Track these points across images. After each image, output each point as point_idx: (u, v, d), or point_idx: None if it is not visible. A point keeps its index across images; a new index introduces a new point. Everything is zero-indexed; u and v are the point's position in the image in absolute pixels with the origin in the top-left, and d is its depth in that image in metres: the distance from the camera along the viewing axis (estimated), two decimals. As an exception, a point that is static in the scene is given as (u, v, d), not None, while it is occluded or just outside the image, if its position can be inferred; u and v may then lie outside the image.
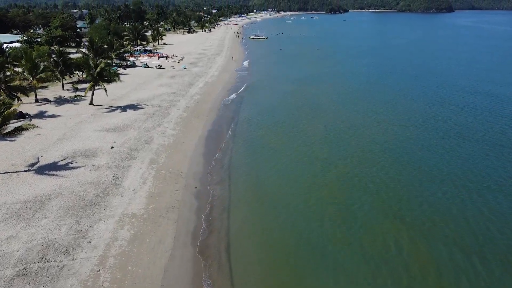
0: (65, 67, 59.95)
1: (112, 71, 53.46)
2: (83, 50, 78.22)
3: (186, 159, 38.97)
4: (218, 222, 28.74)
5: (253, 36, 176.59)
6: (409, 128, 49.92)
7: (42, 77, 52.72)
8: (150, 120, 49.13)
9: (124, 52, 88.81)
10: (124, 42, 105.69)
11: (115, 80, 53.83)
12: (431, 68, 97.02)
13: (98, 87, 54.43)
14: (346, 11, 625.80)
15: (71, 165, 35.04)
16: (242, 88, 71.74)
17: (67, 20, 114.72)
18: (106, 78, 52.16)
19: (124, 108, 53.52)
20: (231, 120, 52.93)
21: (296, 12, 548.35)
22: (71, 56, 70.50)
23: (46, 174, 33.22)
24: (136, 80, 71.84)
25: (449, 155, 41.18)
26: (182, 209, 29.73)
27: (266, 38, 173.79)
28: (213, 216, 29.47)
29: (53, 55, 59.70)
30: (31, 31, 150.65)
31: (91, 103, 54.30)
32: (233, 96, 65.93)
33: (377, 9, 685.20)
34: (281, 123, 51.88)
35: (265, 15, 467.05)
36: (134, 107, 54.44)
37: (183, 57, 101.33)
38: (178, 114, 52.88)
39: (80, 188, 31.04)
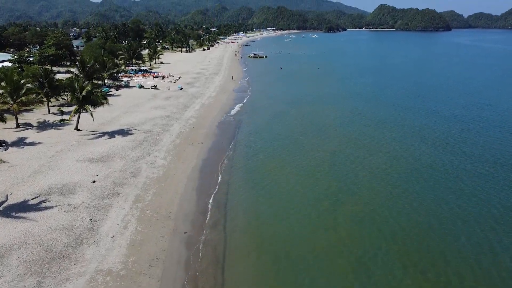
0: (51, 89, 56.03)
1: (99, 94, 49.48)
2: (73, 70, 74.72)
3: (177, 195, 34.54)
4: (210, 280, 24.16)
5: (252, 55, 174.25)
6: (421, 156, 45.69)
7: (24, 100, 48.66)
8: (139, 148, 44.89)
9: (118, 72, 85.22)
10: (119, 62, 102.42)
11: (102, 104, 49.79)
12: (436, 88, 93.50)
13: (85, 111, 50.35)
14: (344, 29, 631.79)
15: (43, 205, 30.60)
16: (241, 111, 67.89)
17: (61, 39, 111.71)
18: (93, 102, 48.05)
19: (112, 134, 49.34)
20: (228, 147, 48.71)
21: (295, 31, 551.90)
22: (63, 76, 67.15)
23: (12, 216, 28.75)
24: (128, 102, 67.96)
25: (470, 189, 36.84)
26: (168, 262, 25.16)
27: (265, 56, 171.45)
28: (204, 271, 24.90)
29: (40, 77, 55.70)
30: (27, 49, 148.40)
31: (76, 129, 50.17)
32: (231, 119, 61.97)
33: (375, 28, 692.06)
34: (282, 150, 47.67)
35: (264, 33, 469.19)
36: (123, 132, 50.28)
37: (180, 77, 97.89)
38: (171, 140, 48.70)
39: (50, 235, 26.54)
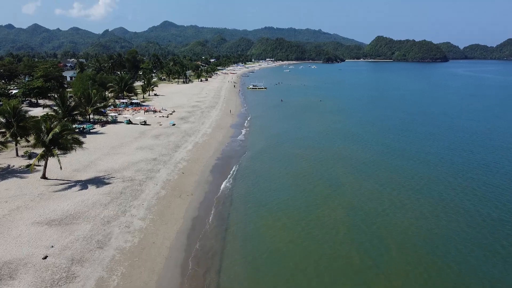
0: (20, 129, 48.45)
1: (71, 136, 41.76)
2: (50, 104, 67.64)
3: (153, 276, 26.24)
4: None
5: (251, 86, 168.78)
6: (456, 212, 37.70)
7: (-20, 143, 41.05)
8: (115, 203, 36.80)
9: (105, 106, 78.14)
10: (109, 94, 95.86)
11: (73, 149, 42.09)
12: (451, 125, 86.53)
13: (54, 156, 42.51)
14: (342, 60, 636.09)
15: (-35, 300, 22.24)
16: (239, 151, 60.21)
17: (50, 70, 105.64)
18: (62, 146, 40.40)
19: (85, 184, 41.33)
20: (224, 200, 40.65)
21: (294, 62, 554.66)
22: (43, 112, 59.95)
23: None
24: (112, 141, 60.29)
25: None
26: None
27: (265, 88, 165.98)
28: None
29: (7, 115, 48.28)
30: (17, 81, 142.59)
31: (43, 177, 42.20)
32: (227, 162, 54.12)
33: (373, 59, 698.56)
34: (287, 204, 39.62)
35: (263, 64, 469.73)
36: (98, 182, 42.29)
37: (173, 111, 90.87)
38: (155, 191, 40.68)
39: None
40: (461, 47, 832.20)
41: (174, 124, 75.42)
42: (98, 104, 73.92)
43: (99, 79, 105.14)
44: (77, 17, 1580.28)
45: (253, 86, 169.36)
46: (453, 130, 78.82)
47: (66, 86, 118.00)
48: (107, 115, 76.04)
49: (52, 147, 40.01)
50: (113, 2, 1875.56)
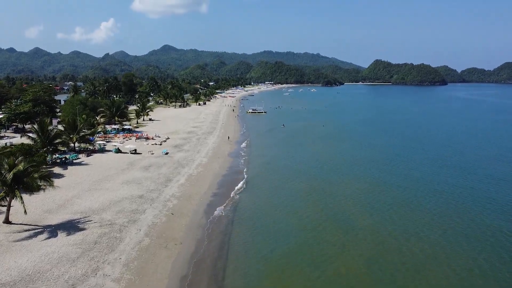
0: (-14, 162, 42.33)
1: (39, 174, 35.57)
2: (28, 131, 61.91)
3: None
4: None
5: (250, 110, 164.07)
6: (494, 270, 31.30)
7: None
8: (85, 258, 30.29)
9: (93, 133, 72.29)
10: (100, 120, 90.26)
11: (42, 189, 35.90)
12: (466, 154, 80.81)
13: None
14: (341, 83, 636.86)
15: None
16: (237, 184, 53.95)
17: (39, 94, 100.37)
18: (27, 185, 34.21)
19: (54, 231, 34.91)
20: (218, 252, 34.13)
21: (293, 85, 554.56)
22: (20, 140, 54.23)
23: None
24: (95, 174, 54.04)
25: None
26: None
27: (264, 112, 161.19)
28: None
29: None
30: (8, 104, 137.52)
31: (6, 221, 35.80)
32: (224, 199, 47.75)
33: (372, 82, 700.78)
34: (295, 258, 33.14)
35: (263, 87, 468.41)
36: (71, 227, 35.87)
37: (167, 138, 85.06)
38: (137, 240, 34.24)
39: None
40: (459, 70, 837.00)
41: (167, 153, 69.42)
42: (85, 131, 68.09)
43: (90, 103, 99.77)
44: (79, 41, 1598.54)
45: (253, 110, 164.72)
46: (473, 160, 72.98)
47: (58, 110, 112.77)
48: (94, 143, 70.00)
49: (16, 187, 33.78)
50: (114, 27, 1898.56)
